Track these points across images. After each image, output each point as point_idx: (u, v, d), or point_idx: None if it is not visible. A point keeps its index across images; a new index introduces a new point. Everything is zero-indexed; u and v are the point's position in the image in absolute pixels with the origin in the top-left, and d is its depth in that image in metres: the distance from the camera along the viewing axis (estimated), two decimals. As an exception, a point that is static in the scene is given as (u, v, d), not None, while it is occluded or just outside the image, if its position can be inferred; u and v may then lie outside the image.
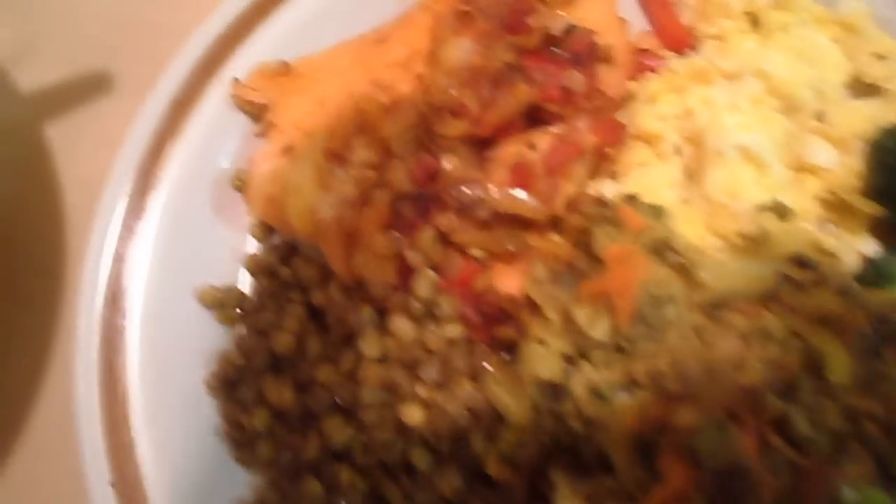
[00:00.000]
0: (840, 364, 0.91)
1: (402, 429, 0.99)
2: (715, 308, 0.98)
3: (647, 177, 1.07)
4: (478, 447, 0.98)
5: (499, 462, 0.98)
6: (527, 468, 1.00)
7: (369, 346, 1.01)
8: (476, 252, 1.01)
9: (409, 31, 1.14)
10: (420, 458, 0.98)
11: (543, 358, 0.95)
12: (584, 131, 1.00)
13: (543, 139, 1.00)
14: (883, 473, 0.91)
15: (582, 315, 0.95)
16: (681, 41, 1.17)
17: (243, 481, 1.05)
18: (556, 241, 1.02)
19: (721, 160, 0.99)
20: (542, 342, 0.96)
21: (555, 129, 1.01)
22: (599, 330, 0.96)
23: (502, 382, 0.97)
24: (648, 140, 1.10)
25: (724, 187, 0.98)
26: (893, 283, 0.99)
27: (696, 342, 0.96)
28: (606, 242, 0.98)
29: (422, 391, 0.99)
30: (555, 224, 1.03)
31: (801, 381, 0.91)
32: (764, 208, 0.98)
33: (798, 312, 0.96)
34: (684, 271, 0.99)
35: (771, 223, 1.01)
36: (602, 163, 1.09)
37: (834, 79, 1.10)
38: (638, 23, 1.20)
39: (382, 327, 1.02)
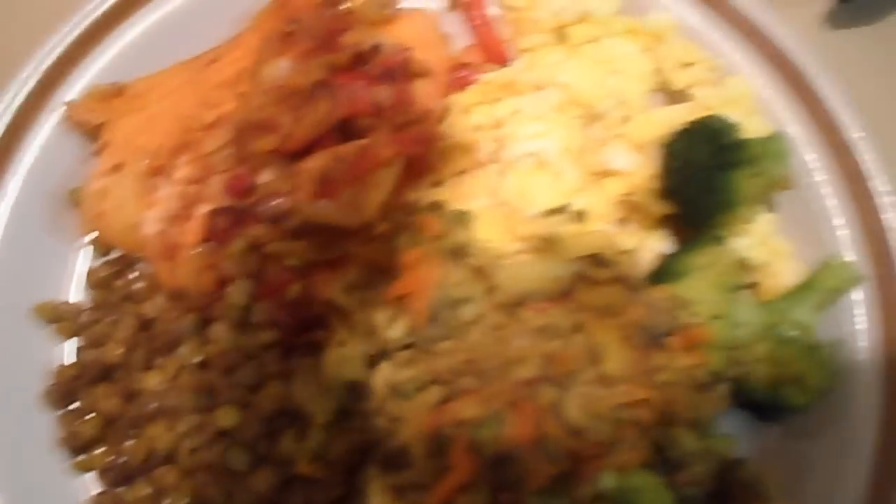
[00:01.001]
0: (616, 356, 0.97)
1: (221, 430, 1.05)
2: (513, 307, 1.05)
3: (463, 184, 1.13)
4: (288, 447, 1.03)
5: (309, 460, 1.04)
6: (338, 465, 1.05)
7: (189, 351, 1.07)
8: (291, 261, 1.07)
9: (239, 51, 1.20)
10: (236, 459, 1.03)
11: (344, 359, 1.01)
12: (384, 143, 1.05)
13: (348, 151, 1.06)
14: (660, 459, 0.98)
15: (380, 317, 1.01)
16: (499, 55, 1.23)
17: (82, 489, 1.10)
18: (369, 247, 1.08)
19: (515, 167, 1.05)
20: (342, 344, 1.01)
21: (362, 142, 1.07)
22: (396, 331, 1.01)
23: (308, 384, 1.03)
24: (466, 149, 1.16)
25: (518, 193, 1.05)
26: (677, 279, 1.05)
27: (491, 339, 1.02)
28: (406, 248, 1.05)
29: (237, 394, 1.05)
30: (369, 232, 1.09)
31: (578, 373, 0.97)
32: (553, 212, 1.04)
33: (586, 308, 1.02)
34: (482, 273, 1.05)
35: (565, 226, 1.07)
36: (421, 171, 1.15)
37: (638, 87, 1.16)
38: (463, 39, 1.28)
39: (205, 335, 1.08)
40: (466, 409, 0.95)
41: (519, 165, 1.05)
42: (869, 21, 1.40)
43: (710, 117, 1.06)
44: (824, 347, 1.05)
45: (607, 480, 0.89)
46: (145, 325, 1.11)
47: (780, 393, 1.04)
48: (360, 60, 1.12)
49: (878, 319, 1.11)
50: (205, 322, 1.08)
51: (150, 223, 1.09)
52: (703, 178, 1.03)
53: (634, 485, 0.90)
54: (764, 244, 1.12)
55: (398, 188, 1.13)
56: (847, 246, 1.14)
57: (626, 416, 0.95)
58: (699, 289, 1.04)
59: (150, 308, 1.10)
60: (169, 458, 1.07)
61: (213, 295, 1.07)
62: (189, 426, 1.05)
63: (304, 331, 1.07)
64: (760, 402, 1.06)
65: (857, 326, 1.11)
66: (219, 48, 1.22)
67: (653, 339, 1.02)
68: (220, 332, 1.06)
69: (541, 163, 1.04)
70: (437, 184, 1.14)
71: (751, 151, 1.06)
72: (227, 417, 1.03)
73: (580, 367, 0.96)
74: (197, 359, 1.06)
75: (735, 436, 1.09)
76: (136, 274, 1.14)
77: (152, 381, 1.07)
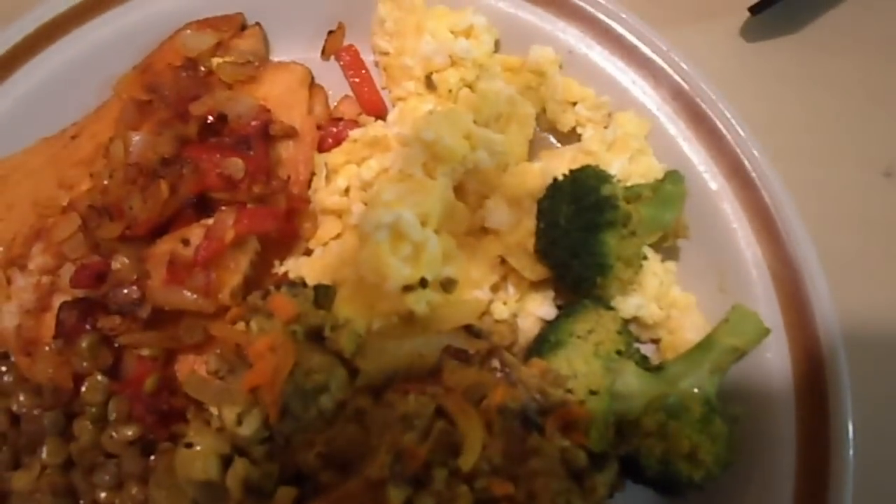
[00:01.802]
0: (477, 447, 0.89)
1: (84, 533, 1.00)
2: (378, 390, 0.97)
3: (332, 253, 1.06)
4: (150, 546, 0.98)
5: (171, 564, 0.99)
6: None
7: (50, 452, 1.02)
8: (146, 351, 1.01)
9: (100, 124, 1.14)
10: (101, 562, 0.99)
11: (195, 459, 0.95)
12: (233, 222, 0.99)
13: (196, 233, 1.00)
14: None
15: (228, 413, 0.95)
16: (376, 106, 1.15)
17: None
18: (231, 332, 1.02)
19: (371, 239, 0.98)
20: (191, 444, 0.95)
21: (209, 222, 1.00)
22: (248, 427, 0.95)
23: (163, 485, 0.97)
24: (334, 214, 1.08)
25: (374, 267, 0.97)
26: (555, 351, 0.96)
27: (353, 428, 0.95)
28: (258, 333, 0.98)
29: (98, 495, 1.00)
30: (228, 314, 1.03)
31: (435, 468, 0.89)
32: (411, 288, 0.96)
33: (452, 391, 0.95)
34: (343, 356, 0.98)
35: (431, 297, 0.99)
36: (287, 241, 1.09)
37: (517, 134, 1.07)
38: (340, 88, 1.20)
39: (69, 432, 1.04)
40: (316, 510, 0.90)
41: (375, 237, 0.97)
42: (782, 33, 1.30)
43: (579, 171, 0.97)
44: (721, 417, 0.96)
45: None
46: (14, 420, 1.08)
47: (673, 469, 0.94)
48: (211, 130, 1.05)
49: (791, 375, 1.02)
50: (68, 418, 1.04)
51: (7, 316, 1.05)
52: (571, 239, 0.93)
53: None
54: (659, 300, 1.02)
55: (261, 261, 1.07)
56: (755, 295, 1.05)
57: (487, 505, 0.88)
58: (578, 360, 0.96)
59: (17, 404, 1.06)
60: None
61: (73, 391, 1.03)
62: (52, 528, 1.01)
63: (167, 424, 1.02)
64: (655, 480, 0.97)
65: (769, 385, 1.02)
66: (82, 121, 1.17)
67: (525, 421, 0.94)
68: (83, 429, 1.02)
69: (398, 234, 0.96)
70: (306, 253, 1.08)
71: (631, 207, 0.96)
72: (88, 521, 0.99)
73: (437, 460, 0.89)
74: (59, 459, 1.02)
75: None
76: (4, 368, 1.11)
77: (19, 481, 1.03)
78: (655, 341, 1.07)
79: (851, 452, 0.97)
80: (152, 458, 1.01)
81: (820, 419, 1.00)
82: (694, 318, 1.04)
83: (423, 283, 0.96)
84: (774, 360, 1.01)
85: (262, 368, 0.95)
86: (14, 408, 1.06)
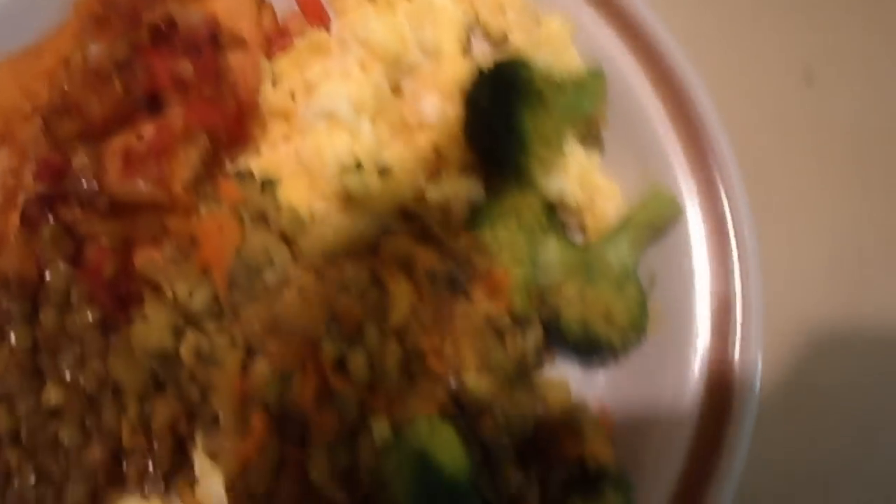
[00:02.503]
0: (406, 307, 0.97)
1: (51, 410, 1.08)
2: (321, 268, 1.05)
3: (279, 152, 1.14)
4: (109, 420, 1.06)
5: (131, 432, 1.06)
6: (164, 435, 1.07)
7: (18, 338, 1.10)
8: (105, 241, 1.09)
9: (61, 39, 1.21)
10: (67, 436, 1.07)
11: (150, 331, 1.02)
12: (181, 118, 1.06)
13: (149, 129, 1.07)
14: (458, 407, 0.98)
15: (180, 289, 1.03)
16: (320, 17, 1.23)
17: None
18: (182, 221, 1.09)
19: (311, 127, 1.05)
20: (147, 317, 1.03)
21: (160, 119, 1.08)
22: (198, 300, 1.03)
23: (121, 357, 1.05)
24: (282, 116, 1.16)
25: (315, 153, 1.04)
26: (483, 227, 1.04)
27: (296, 302, 1.03)
28: (207, 216, 1.06)
29: (63, 373, 1.08)
30: (182, 206, 1.10)
31: (366, 327, 0.97)
32: (348, 169, 1.03)
33: (387, 263, 1.02)
34: (287, 237, 1.06)
35: (371, 182, 1.07)
36: (238, 142, 1.16)
37: (450, 38, 1.15)
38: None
39: (35, 320, 1.11)
40: (260, 371, 0.97)
41: (314, 126, 1.05)
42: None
43: (502, 60, 1.04)
44: (635, 284, 1.04)
45: (380, 429, 0.90)
46: (-16, 316, 1.15)
47: (591, 332, 1.02)
48: (163, 37, 1.13)
49: (706, 254, 1.10)
50: (34, 307, 1.11)
51: (-26, 217, 1.12)
52: (492, 120, 1.01)
53: (422, 434, 0.90)
54: (583, 185, 1.10)
55: (212, 161, 1.15)
56: (674, 180, 1.12)
57: (415, 368, 0.96)
58: (503, 233, 1.03)
59: (-19, 299, 1.14)
60: (12, 441, 1.11)
61: (38, 281, 1.10)
62: (26, 408, 1.09)
63: (125, 308, 1.09)
64: (576, 344, 1.05)
65: (685, 261, 1.10)
66: (44, 38, 1.24)
67: (452, 286, 1.02)
68: (47, 315, 1.09)
69: (335, 121, 1.04)
70: (256, 153, 1.15)
71: (549, 91, 1.04)
72: (54, 396, 1.07)
73: (370, 320, 0.97)
74: (26, 344, 1.09)
75: (562, 382, 1.11)
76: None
77: (-12, 368, 1.11)
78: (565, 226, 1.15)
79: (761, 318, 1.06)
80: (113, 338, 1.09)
81: (729, 285, 1.09)
82: (617, 204, 1.12)
83: (359, 165, 1.04)
84: (689, 237, 1.10)
85: (211, 246, 1.04)
86: (-17, 302, 1.15)
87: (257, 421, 0.95)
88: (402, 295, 0.96)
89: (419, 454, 0.86)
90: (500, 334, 0.99)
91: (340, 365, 0.93)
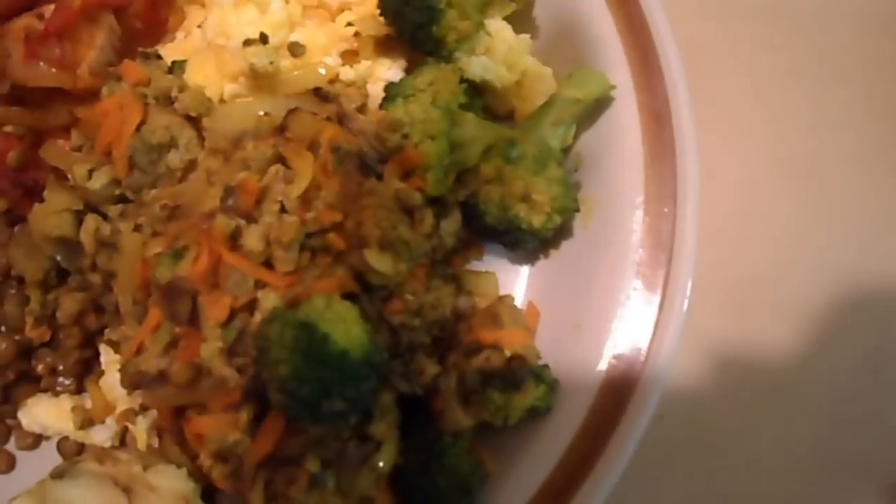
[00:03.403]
0: (302, 178, 0.91)
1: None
2: (228, 151, 1.00)
3: (192, 38, 1.09)
4: (14, 311, 1.02)
5: (35, 324, 1.02)
6: (71, 327, 1.03)
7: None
8: (9, 128, 1.05)
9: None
10: (-28, 331, 1.04)
11: (49, 215, 0.98)
12: (72, -4, 1.01)
13: (49, 9, 1.02)
14: (361, 283, 0.93)
15: (79, 170, 0.98)
16: None
17: None
18: (93, 111, 1.04)
19: (217, 3, 1.00)
20: (47, 201, 0.99)
21: (65, -2, 1.03)
22: (98, 182, 0.98)
23: (22, 245, 1.01)
24: (201, 3, 1.11)
25: (220, 29, 0.99)
26: (394, 103, 0.98)
27: (201, 185, 0.98)
28: (107, 96, 1.01)
29: (-34, 266, 1.04)
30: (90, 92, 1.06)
31: (265, 203, 0.92)
32: (251, 42, 0.98)
33: (293, 141, 0.97)
34: (192, 118, 1.01)
35: (280, 59, 1.01)
36: (152, 28, 1.11)
37: None
38: None
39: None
40: (155, 251, 0.92)
41: (220, 1, 0.99)
42: None
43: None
44: (558, 165, 0.97)
45: (269, 300, 0.85)
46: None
47: (512, 214, 0.96)
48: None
49: (638, 131, 1.03)
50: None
51: None
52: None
53: (315, 307, 0.85)
54: (510, 66, 1.03)
55: (125, 49, 1.10)
56: (609, 62, 1.05)
57: (316, 243, 0.90)
58: (416, 109, 0.97)
59: None
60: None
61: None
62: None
63: (30, 199, 1.05)
64: (496, 230, 0.99)
65: (617, 149, 1.04)
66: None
67: (363, 165, 0.96)
68: (-52, 206, 1.06)
69: (240, -3, 0.99)
70: (170, 40, 1.10)
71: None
72: (-45, 289, 1.03)
73: (267, 196, 0.92)
74: (-70, 236, 1.06)
75: (488, 274, 1.05)
76: None
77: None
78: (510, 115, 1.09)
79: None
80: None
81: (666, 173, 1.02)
82: (548, 88, 1.05)
83: (264, 38, 0.98)
84: (622, 116, 1.03)
85: (110, 125, 0.99)
86: None
87: (154, 302, 0.90)
88: (304, 169, 0.91)
89: (308, 326, 0.81)
90: (409, 213, 0.93)
91: (235, 241, 0.89)
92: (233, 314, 0.87)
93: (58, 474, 0.97)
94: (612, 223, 1.03)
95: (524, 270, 1.10)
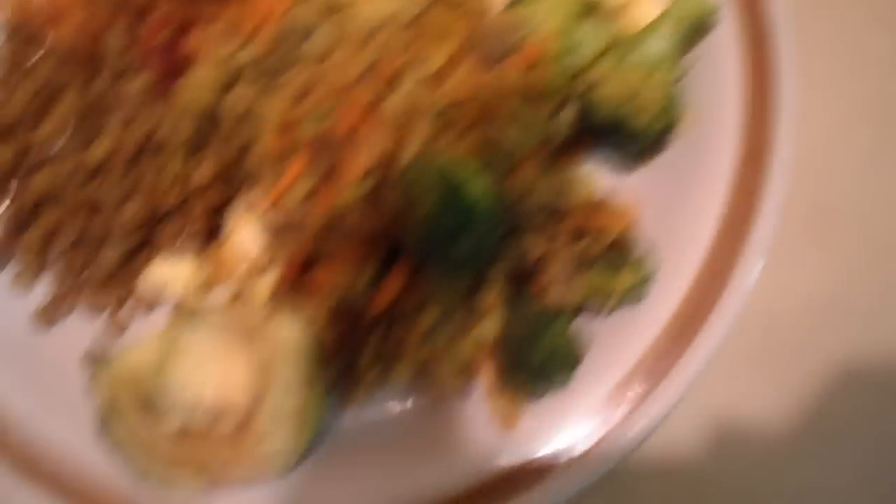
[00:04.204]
0: (435, 60, 1.00)
1: (96, 166, 1.13)
2: (363, 38, 1.09)
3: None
4: (150, 176, 1.10)
5: (169, 187, 1.10)
6: (200, 196, 1.11)
7: (73, 99, 1.15)
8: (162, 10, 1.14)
9: None
10: (106, 192, 1.11)
11: (195, 86, 1.07)
12: None
13: None
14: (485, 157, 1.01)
15: (223, 50, 1.07)
16: None
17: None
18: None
19: None
20: (196, 74, 1.07)
21: None
22: (244, 57, 1.07)
23: (171, 111, 1.09)
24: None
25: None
26: (521, 4, 1.08)
27: (339, 67, 1.07)
28: (257, -17, 1.11)
29: (109, 133, 1.13)
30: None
31: (400, 78, 1.00)
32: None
33: (427, 31, 1.06)
34: (334, 8, 1.10)
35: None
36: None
37: None
38: None
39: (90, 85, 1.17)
40: (298, 112, 1.01)
41: None
42: None
43: None
44: (666, 73, 1.06)
45: (409, 153, 0.93)
46: (40, 88, 1.21)
47: (620, 112, 1.04)
48: None
49: (739, 52, 1.12)
50: (91, 74, 1.17)
51: (46, -8, 1.19)
52: None
53: (453, 165, 0.93)
54: (622, -14, 1.13)
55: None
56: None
57: (447, 115, 0.98)
58: (542, 12, 1.06)
59: (43, 70, 1.19)
60: (56, 201, 1.16)
61: (95, 52, 1.16)
62: (72, 166, 1.14)
63: (177, 73, 1.14)
64: (603, 125, 1.06)
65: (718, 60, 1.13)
66: None
67: (491, 57, 1.05)
68: (101, 79, 1.15)
69: None
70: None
71: None
72: (99, 152, 1.11)
73: (403, 73, 1.00)
74: (77, 106, 1.14)
75: (589, 174, 1.13)
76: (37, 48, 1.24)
77: (42, 133, 1.16)
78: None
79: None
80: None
81: (763, 94, 1.10)
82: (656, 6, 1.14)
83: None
84: (722, 38, 1.12)
85: (259, 9, 1.08)
86: (40, 74, 1.20)
87: (293, 158, 0.98)
88: (436, 54, 1.00)
89: (445, 173, 0.89)
90: (531, 100, 1.02)
91: (374, 107, 0.97)
92: (369, 171, 0.96)
93: (179, 320, 1.04)
94: (708, 138, 1.11)
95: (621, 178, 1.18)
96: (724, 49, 1.11)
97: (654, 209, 1.10)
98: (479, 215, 0.90)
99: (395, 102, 0.96)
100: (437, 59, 0.98)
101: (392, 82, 0.99)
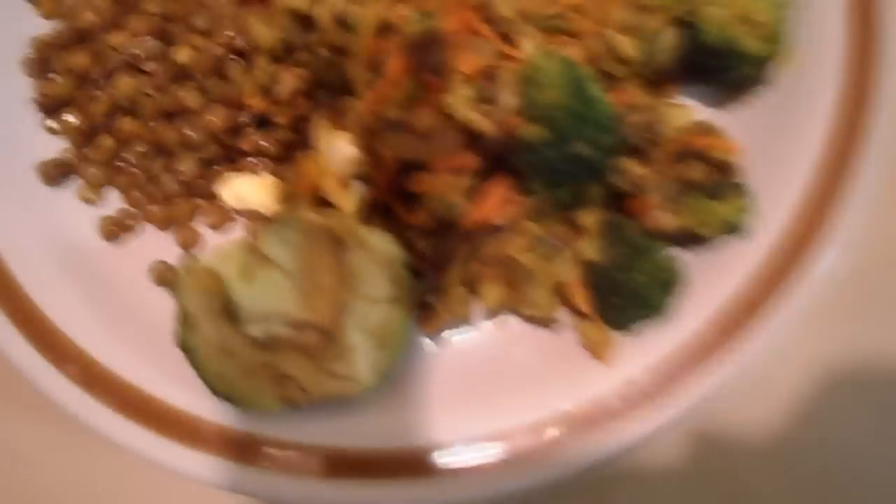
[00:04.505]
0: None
1: (177, 72, 1.09)
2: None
3: None
4: (237, 77, 1.06)
5: (255, 93, 1.06)
6: (287, 105, 1.07)
7: (151, 5, 1.12)
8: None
9: None
10: (190, 97, 1.07)
11: (292, -10, 1.04)
12: None
13: None
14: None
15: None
16: None
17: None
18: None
19: None
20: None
21: None
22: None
23: (259, 16, 1.06)
24: None
25: None
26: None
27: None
28: None
29: (193, 36, 1.09)
30: None
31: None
32: None
33: None
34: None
35: None
36: None
37: None
38: None
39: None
40: (402, 11, 0.97)
41: None
42: None
43: None
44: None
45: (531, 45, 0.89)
46: (117, -4, 1.17)
47: (729, 34, 1.01)
48: None
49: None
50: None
51: None
52: None
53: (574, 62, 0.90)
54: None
55: None
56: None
57: (559, 24, 0.95)
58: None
59: None
60: (129, 110, 1.12)
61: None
62: (153, 70, 1.09)
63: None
64: (711, 46, 1.03)
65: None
66: None
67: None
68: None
69: None
70: None
71: None
72: (183, 55, 1.07)
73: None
74: (160, 8, 1.10)
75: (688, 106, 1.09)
76: None
77: (118, 38, 1.12)
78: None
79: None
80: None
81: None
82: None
83: None
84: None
85: None
86: None
87: (394, 64, 0.94)
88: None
89: (570, 63, 0.86)
90: (641, 9, 0.99)
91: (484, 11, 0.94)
92: (480, 72, 0.92)
93: (263, 230, 1.00)
94: (810, 75, 1.08)
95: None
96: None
97: (752, 147, 1.07)
98: (601, 114, 0.87)
99: (505, 5, 0.92)
100: (546, -33, 0.95)
101: (496, -14, 0.96)
